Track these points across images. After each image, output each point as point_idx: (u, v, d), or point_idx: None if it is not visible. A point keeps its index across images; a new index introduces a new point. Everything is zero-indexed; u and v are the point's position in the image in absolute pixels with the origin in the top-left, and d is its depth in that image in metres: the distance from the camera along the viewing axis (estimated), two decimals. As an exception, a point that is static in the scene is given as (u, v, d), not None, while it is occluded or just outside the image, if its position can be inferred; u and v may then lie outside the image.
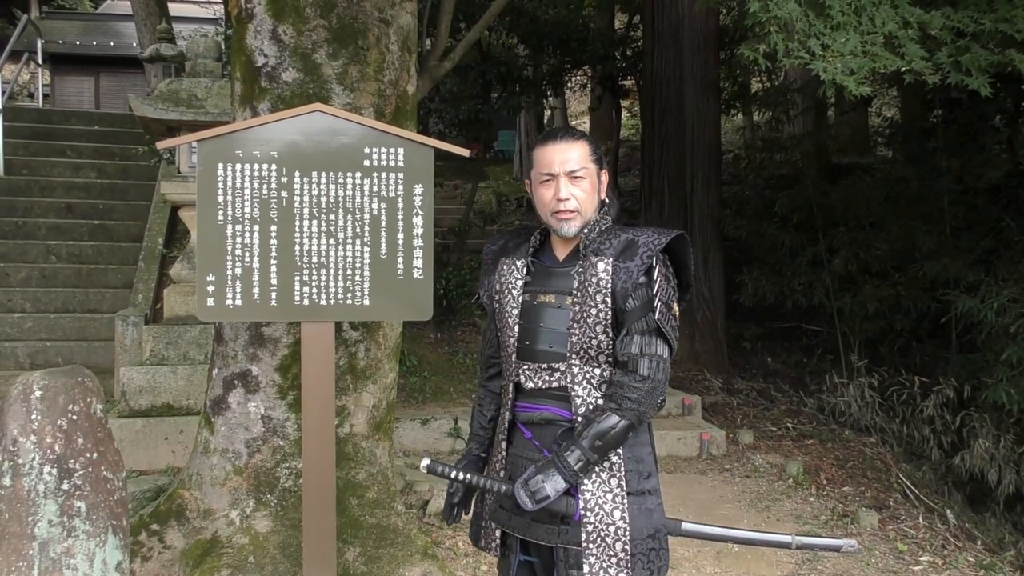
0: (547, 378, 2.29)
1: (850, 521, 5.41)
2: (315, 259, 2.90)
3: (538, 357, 2.30)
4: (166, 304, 6.50)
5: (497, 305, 2.41)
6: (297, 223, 2.89)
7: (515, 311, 2.34)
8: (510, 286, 2.37)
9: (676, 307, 2.31)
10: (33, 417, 2.68)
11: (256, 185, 2.86)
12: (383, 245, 2.93)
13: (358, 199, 2.91)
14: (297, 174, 2.88)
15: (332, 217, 2.90)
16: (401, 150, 2.93)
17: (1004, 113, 8.22)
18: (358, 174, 2.91)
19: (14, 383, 2.75)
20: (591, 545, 2.19)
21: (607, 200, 2.37)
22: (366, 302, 2.93)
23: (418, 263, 2.95)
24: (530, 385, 2.31)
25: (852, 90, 4.23)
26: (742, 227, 9.01)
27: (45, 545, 2.66)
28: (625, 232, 2.30)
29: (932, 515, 5.62)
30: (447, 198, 13.22)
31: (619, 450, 2.23)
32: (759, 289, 8.56)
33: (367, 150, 2.91)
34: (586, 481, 2.21)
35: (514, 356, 2.34)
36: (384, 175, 2.92)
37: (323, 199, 2.90)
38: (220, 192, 2.83)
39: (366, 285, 2.93)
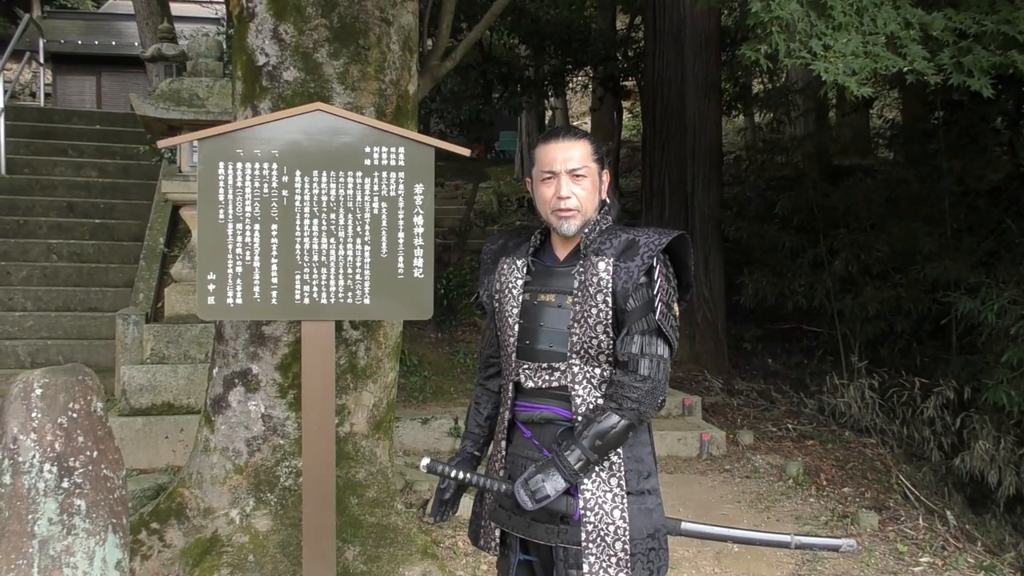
0: (547, 377, 2.29)
1: (850, 522, 5.41)
2: (316, 258, 2.90)
3: (538, 356, 2.30)
4: (167, 303, 6.50)
5: (497, 304, 2.41)
6: (298, 222, 2.89)
7: (515, 310, 2.34)
8: (510, 285, 2.37)
9: (676, 307, 2.32)
10: (33, 415, 2.68)
11: (257, 184, 2.86)
12: (384, 244, 2.93)
13: (359, 198, 2.91)
14: (298, 173, 2.88)
15: (333, 216, 2.91)
16: (402, 149, 2.93)
17: (1005, 115, 8.22)
18: (359, 173, 2.91)
19: (15, 381, 2.76)
20: (591, 545, 2.19)
21: (608, 200, 2.37)
22: (366, 301, 2.94)
23: (419, 262, 2.95)
24: (530, 384, 2.31)
25: (854, 91, 4.23)
26: (743, 228, 9.01)
27: (45, 543, 2.66)
28: (626, 232, 2.30)
29: (932, 516, 5.62)
30: (448, 198, 13.23)
31: (619, 450, 2.23)
32: (760, 290, 8.56)
33: (368, 149, 2.91)
34: (586, 481, 2.21)
35: (514, 355, 2.34)
36: (385, 174, 2.92)
37: (324, 198, 2.90)
38: (221, 191, 2.84)
39: (367, 284, 2.93)
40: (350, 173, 2.91)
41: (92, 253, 8.70)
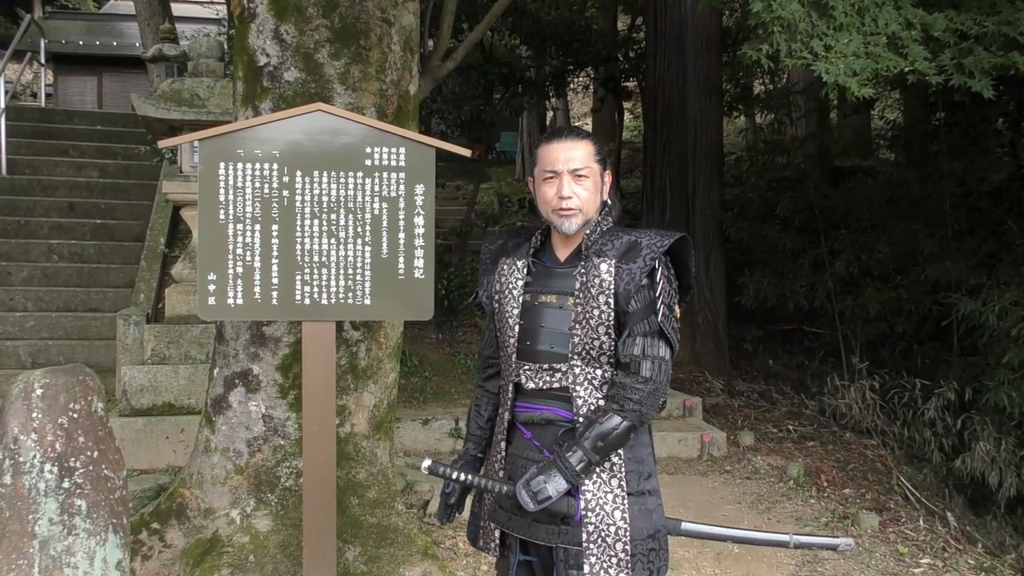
0: (548, 378, 2.29)
1: (851, 523, 5.41)
2: (316, 258, 2.90)
3: (539, 357, 2.30)
4: (167, 303, 6.51)
5: (497, 305, 2.41)
6: (298, 222, 2.89)
7: (515, 311, 2.34)
8: (510, 286, 2.37)
9: (677, 308, 2.32)
10: (34, 415, 2.68)
11: (258, 184, 2.86)
12: (384, 245, 2.93)
13: (359, 199, 2.91)
14: (299, 173, 2.88)
15: (333, 216, 2.91)
16: (403, 150, 2.93)
17: (1007, 116, 8.21)
18: (359, 174, 2.91)
19: (15, 381, 2.76)
20: (591, 545, 2.19)
21: (609, 201, 2.37)
22: (367, 302, 2.94)
23: (419, 263, 2.95)
24: (531, 385, 2.31)
25: (855, 91, 4.23)
26: (744, 229, 9.01)
27: (45, 543, 2.66)
28: (627, 234, 2.30)
29: (933, 518, 5.62)
30: (449, 199, 13.23)
31: (620, 451, 2.23)
32: (760, 291, 8.56)
33: (369, 150, 2.91)
34: (587, 482, 2.21)
35: (514, 356, 2.34)
36: (385, 175, 2.92)
37: (324, 198, 2.90)
38: (222, 191, 2.84)
39: (367, 285, 2.93)
40: (351, 173, 2.91)
41: (93, 253, 8.70)
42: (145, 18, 11.28)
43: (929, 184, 8.08)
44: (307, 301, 2.91)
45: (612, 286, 2.21)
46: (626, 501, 2.22)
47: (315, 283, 2.91)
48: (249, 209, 2.86)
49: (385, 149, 2.92)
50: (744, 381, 8.99)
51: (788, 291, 8.41)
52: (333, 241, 2.91)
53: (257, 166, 2.85)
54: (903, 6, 4.45)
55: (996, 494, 6.07)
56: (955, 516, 5.67)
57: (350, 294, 2.93)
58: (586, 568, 2.18)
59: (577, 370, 2.25)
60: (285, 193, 2.88)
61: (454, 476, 2.32)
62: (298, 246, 2.89)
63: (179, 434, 5.80)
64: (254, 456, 3.97)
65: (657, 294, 2.22)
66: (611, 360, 2.25)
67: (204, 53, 6.63)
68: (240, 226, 2.86)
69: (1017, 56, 4.54)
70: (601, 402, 2.23)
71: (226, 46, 7.30)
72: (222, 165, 2.83)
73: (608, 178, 2.37)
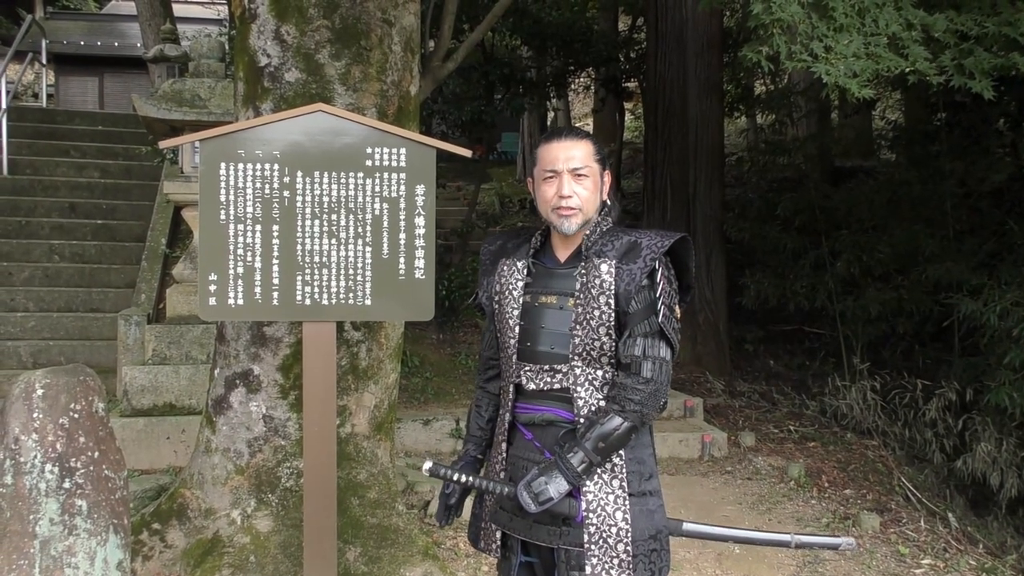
0: (549, 379, 2.29)
1: (851, 524, 5.41)
2: (317, 259, 2.91)
3: (539, 358, 2.29)
4: (168, 304, 6.51)
5: (497, 306, 2.41)
6: (299, 223, 2.89)
7: (515, 312, 2.34)
8: (510, 287, 2.37)
9: (678, 309, 2.32)
10: (35, 415, 2.69)
11: (258, 185, 2.86)
12: (385, 245, 2.93)
13: (360, 199, 2.91)
14: (299, 174, 2.88)
15: (334, 217, 2.91)
16: (403, 150, 2.93)
17: (1008, 117, 8.20)
18: (360, 174, 2.91)
19: (16, 382, 2.76)
20: (593, 546, 2.19)
21: (608, 202, 2.37)
22: (368, 302, 2.94)
23: (420, 263, 2.95)
24: (531, 386, 2.31)
25: (855, 92, 4.23)
26: (745, 229, 9.01)
27: (46, 543, 2.66)
28: (627, 234, 2.30)
29: (934, 518, 5.61)
30: (450, 199, 13.22)
31: (621, 451, 2.23)
32: (761, 291, 8.56)
33: (369, 150, 2.91)
34: (588, 483, 2.21)
35: (515, 357, 2.34)
36: (386, 175, 2.93)
37: (325, 199, 2.90)
38: (223, 192, 2.84)
39: (368, 285, 2.93)
40: (351, 174, 2.91)
41: (94, 254, 8.71)
42: (146, 19, 11.29)
43: (930, 184, 8.08)
44: (308, 301, 2.91)
45: (612, 287, 2.21)
46: (627, 502, 2.22)
47: (316, 283, 2.91)
48: (250, 209, 2.86)
49: (386, 150, 2.92)
50: (745, 382, 8.99)
51: (789, 291, 8.40)
52: (334, 241, 2.91)
53: (258, 166, 2.86)
54: (904, 7, 4.45)
55: (997, 495, 6.06)
56: (956, 517, 5.67)
57: (351, 294, 2.93)
58: (588, 569, 2.18)
59: (578, 371, 2.25)
60: (286, 193, 2.88)
61: (455, 478, 2.32)
62: (299, 246, 2.90)
63: (180, 434, 5.81)
64: (255, 456, 3.97)
65: (657, 295, 2.22)
66: (612, 361, 2.25)
67: (205, 54, 6.63)
68: (241, 226, 2.86)
69: (1017, 57, 4.54)
70: (602, 403, 2.23)
71: (227, 47, 7.30)
72: (223, 165, 2.84)
73: (608, 178, 2.37)
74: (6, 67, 9.83)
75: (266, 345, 3.95)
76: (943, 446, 6.63)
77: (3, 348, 7.53)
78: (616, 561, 2.19)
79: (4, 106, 9.66)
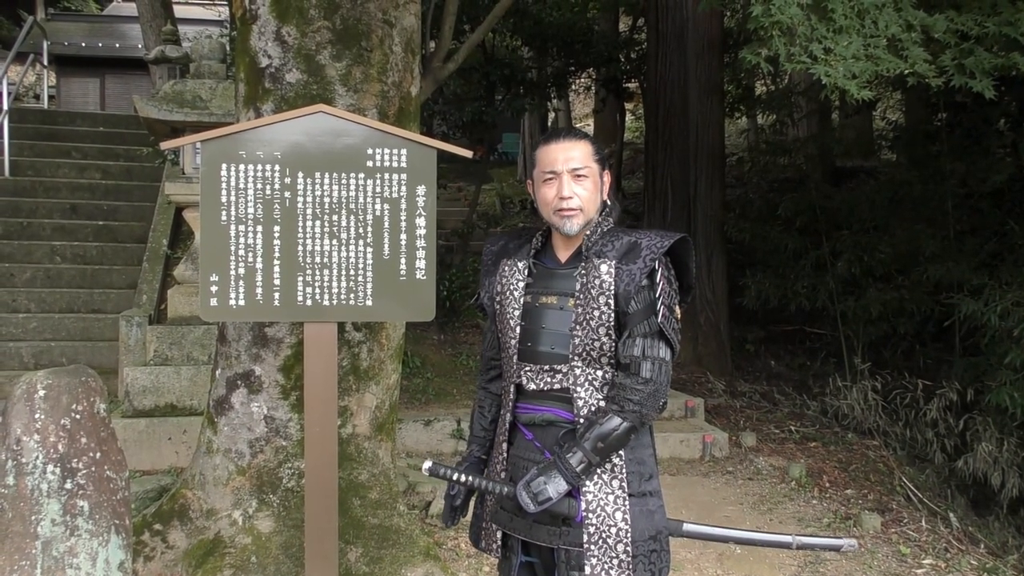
0: (549, 380, 2.29)
1: (853, 524, 5.41)
2: (318, 259, 2.91)
3: (540, 359, 2.30)
4: (170, 305, 6.52)
5: (498, 306, 2.41)
6: (300, 224, 2.90)
7: (516, 312, 2.34)
8: (512, 287, 2.37)
9: (678, 309, 2.32)
10: (37, 416, 2.69)
11: (259, 186, 2.87)
12: (386, 246, 2.94)
13: (361, 200, 2.92)
14: (300, 175, 2.89)
15: (335, 218, 2.91)
16: (404, 151, 2.94)
17: (1008, 117, 8.20)
18: (361, 175, 2.92)
19: (18, 382, 2.76)
20: (592, 547, 2.20)
21: (609, 202, 2.37)
22: (369, 303, 2.94)
23: (421, 264, 2.96)
24: (532, 387, 2.31)
25: (854, 94, 4.23)
26: (745, 230, 9.01)
27: (48, 544, 2.67)
28: (628, 234, 2.30)
29: (935, 518, 5.61)
30: (451, 200, 13.23)
31: (620, 452, 2.23)
32: (762, 292, 8.56)
33: (370, 151, 2.92)
34: (588, 483, 2.21)
35: (515, 357, 2.34)
36: (387, 176, 2.93)
37: (326, 200, 2.91)
38: (224, 193, 2.85)
39: (369, 286, 2.94)
40: (352, 175, 2.91)
41: (95, 255, 8.72)
42: (147, 20, 11.30)
43: (931, 185, 8.08)
44: (309, 302, 2.92)
45: (612, 287, 2.22)
46: (627, 502, 2.22)
47: (317, 284, 2.92)
48: (251, 210, 2.87)
49: (387, 150, 2.93)
50: (746, 382, 8.99)
51: (790, 292, 8.40)
52: (335, 242, 2.92)
53: (259, 167, 2.86)
54: (903, 8, 4.45)
55: (998, 495, 6.06)
56: (957, 517, 5.66)
57: (352, 295, 2.93)
58: (587, 569, 2.19)
59: (578, 371, 2.26)
60: (287, 194, 2.89)
61: (455, 477, 2.33)
62: (300, 247, 2.90)
63: (181, 435, 5.81)
64: (256, 457, 3.97)
65: (657, 295, 2.23)
66: (611, 361, 2.26)
67: (206, 55, 6.64)
68: (242, 227, 2.87)
69: (1018, 56, 4.54)
70: (602, 403, 2.23)
71: (228, 48, 7.31)
72: (224, 166, 2.84)
73: (608, 178, 2.37)
74: (7, 68, 9.84)
75: (267, 346, 3.96)
76: (944, 446, 6.64)
77: (5, 349, 7.54)
78: (616, 561, 2.19)
79: (5, 107, 9.67)
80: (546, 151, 2.32)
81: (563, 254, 2.36)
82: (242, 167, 2.85)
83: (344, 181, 2.91)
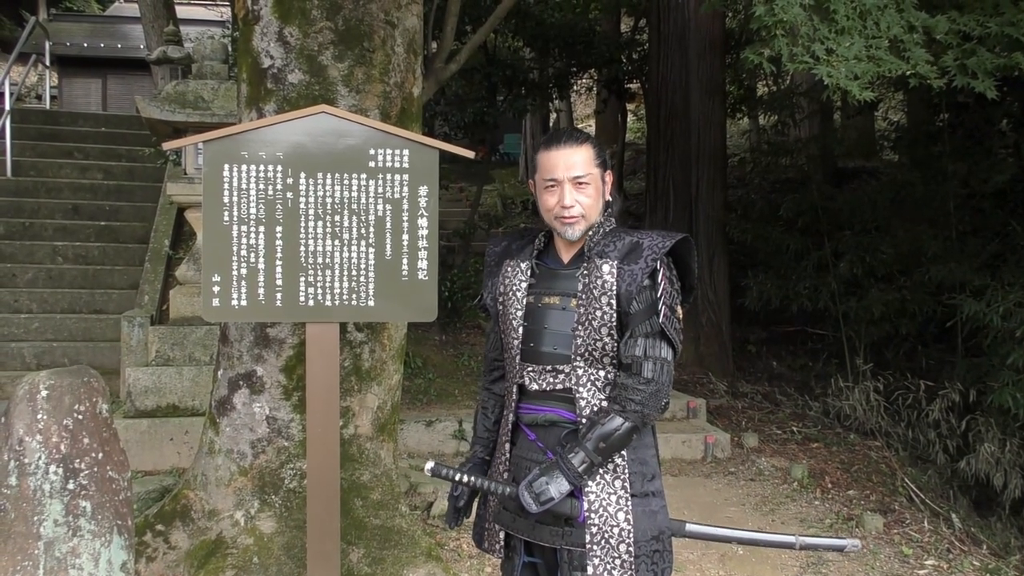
0: (551, 380, 2.29)
1: (855, 524, 5.40)
2: (320, 260, 2.91)
3: (542, 359, 2.30)
4: (172, 305, 6.52)
5: (501, 307, 2.41)
6: (302, 224, 2.90)
7: (519, 313, 2.34)
8: (514, 288, 2.37)
9: (680, 309, 2.32)
10: (39, 417, 2.69)
11: (262, 186, 2.87)
12: (388, 246, 2.94)
13: (363, 200, 2.92)
14: (302, 175, 2.89)
15: (337, 218, 2.91)
16: (406, 152, 2.94)
17: (1011, 117, 8.19)
18: (363, 175, 2.92)
19: (20, 383, 2.77)
20: (595, 547, 2.19)
21: (610, 199, 2.37)
22: (371, 303, 2.94)
23: (423, 264, 2.96)
24: (534, 387, 2.31)
25: (856, 95, 4.23)
26: (747, 230, 9.00)
27: (50, 544, 2.67)
28: (630, 235, 2.30)
29: (937, 519, 5.61)
30: (452, 201, 13.23)
31: (623, 452, 2.23)
32: (764, 293, 8.55)
33: (372, 151, 2.92)
34: (590, 483, 2.21)
35: (518, 358, 2.34)
36: (389, 176, 2.93)
37: (328, 200, 2.91)
38: (226, 193, 2.85)
39: (371, 286, 2.94)
40: (354, 175, 2.92)
41: (97, 255, 8.72)
42: (149, 20, 11.32)
43: (933, 185, 8.06)
44: (311, 302, 2.92)
45: (614, 287, 2.21)
46: (630, 502, 2.22)
47: (319, 284, 2.92)
48: (253, 211, 2.87)
49: (389, 151, 2.93)
50: (748, 383, 8.98)
51: (792, 292, 8.40)
52: (337, 243, 2.92)
53: (261, 168, 2.86)
54: (905, 9, 4.45)
55: (1001, 495, 6.05)
56: (960, 517, 5.66)
57: (354, 295, 2.93)
58: (590, 570, 2.18)
59: (580, 371, 2.26)
60: (289, 195, 2.89)
61: (456, 478, 2.32)
62: (302, 248, 2.90)
63: (183, 436, 5.81)
64: (258, 458, 3.97)
65: (659, 295, 2.22)
66: (614, 361, 2.25)
67: (208, 55, 6.64)
68: (244, 228, 2.87)
69: (1020, 57, 4.54)
70: (604, 403, 2.23)
71: (230, 48, 7.31)
72: (226, 167, 2.84)
73: (609, 178, 2.37)
74: (10, 69, 9.86)
75: (269, 346, 3.96)
76: (946, 447, 6.63)
77: (7, 349, 7.54)
78: (618, 562, 2.19)
79: (8, 108, 9.68)
80: (547, 157, 2.31)
81: (565, 255, 2.36)
82: (244, 167, 2.85)
83: (346, 182, 2.91)
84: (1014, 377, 6.02)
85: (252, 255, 2.88)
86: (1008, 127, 8.29)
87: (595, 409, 2.23)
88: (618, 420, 2.17)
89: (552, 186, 2.30)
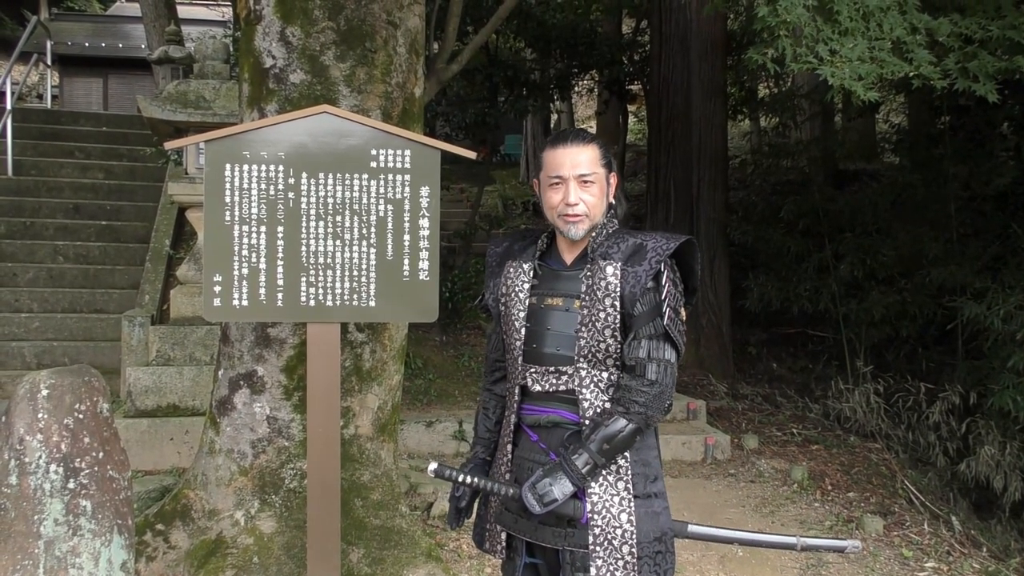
0: (554, 381, 2.29)
1: (855, 527, 5.40)
2: (321, 260, 2.91)
3: (545, 360, 2.30)
4: (172, 305, 6.52)
5: (503, 308, 2.41)
6: (304, 224, 2.90)
7: (522, 314, 2.34)
8: (517, 289, 2.37)
9: (683, 311, 2.32)
10: (40, 416, 2.69)
11: (263, 186, 2.87)
12: (389, 247, 2.94)
13: (365, 200, 2.92)
14: (304, 175, 2.89)
15: (339, 218, 2.91)
16: (408, 152, 2.94)
17: (1012, 120, 8.19)
18: (365, 176, 2.92)
19: (21, 382, 2.76)
20: (598, 548, 2.19)
21: (614, 201, 2.37)
22: (372, 303, 2.94)
23: (424, 265, 2.96)
24: (537, 388, 2.31)
25: (860, 95, 4.23)
26: (748, 232, 9.00)
27: (51, 544, 2.67)
28: (633, 236, 2.30)
29: (937, 521, 5.61)
30: (453, 201, 13.23)
31: (626, 454, 2.23)
32: (765, 294, 8.55)
33: (374, 152, 2.92)
34: (593, 484, 2.21)
35: (520, 359, 2.34)
36: (391, 177, 2.93)
37: (330, 200, 2.91)
38: (227, 193, 2.85)
39: (372, 286, 2.94)
40: (356, 175, 2.91)
41: (98, 255, 8.72)
42: (151, 20, 11.32)
43: (934, 188, 8.06)
44: (312, 303, 2.92)
45: (618, 289, 2.21)
46: (632, 504, 2.22)
47: (320, 285, 2.92)
48: (255, 211, 2.87)
49: (390, 151, 2.93)
50: (748, 384, 8.98)
51: (792, 294, 8.40)
52: (338, 243, 2.92)
53: (263, 168, 2.86)
54: (908, 11, 4.45)
55: (1001, 498, 6.05)
56: (960, 520, 5.65)
57: (355, 296, 2.93)
58: (592, 571, 2.18)
59: (583, 373, 2.25)
60: (290, 195, 2.89)
61: (460, 479, 2.32)
62: (303, 248, 2.90)
63: (183, 435, 5.81)
64: (258, 457, 3.97)
65: (662, 297, 2.22)
66: (617, 363, 2.25)
67: (210, 55, 6.64)
68: (245, 228, 2.87)
69: (1022, 60, 4.54)
70: (607, 405, 2.23)
71: (232, 48, 7.32)
72: (228, 167, 2.84)
73: (614, 180, 2.37)
74: (11, 68, 9.85)
75: (270, 346, 3.96)
76: (947, 449, 6.62)
77: (7, 349, 7.54)
78: (621, 563, 2.19)
79: (9, 107, 9.68)
80: (553, 155, 2.31)
81: (568, 256, 2.36)
82: (246, 167, 2.85)
83: (348, 182, 2.91)
84: (1014, 380, 6.02)
85: (253, 255, 2.88)
86: (1009, 130, 8.29)
87: (598, 410, 2.23)
88: (622, 422, 2.17)
89: (557, 183, 2.29)
